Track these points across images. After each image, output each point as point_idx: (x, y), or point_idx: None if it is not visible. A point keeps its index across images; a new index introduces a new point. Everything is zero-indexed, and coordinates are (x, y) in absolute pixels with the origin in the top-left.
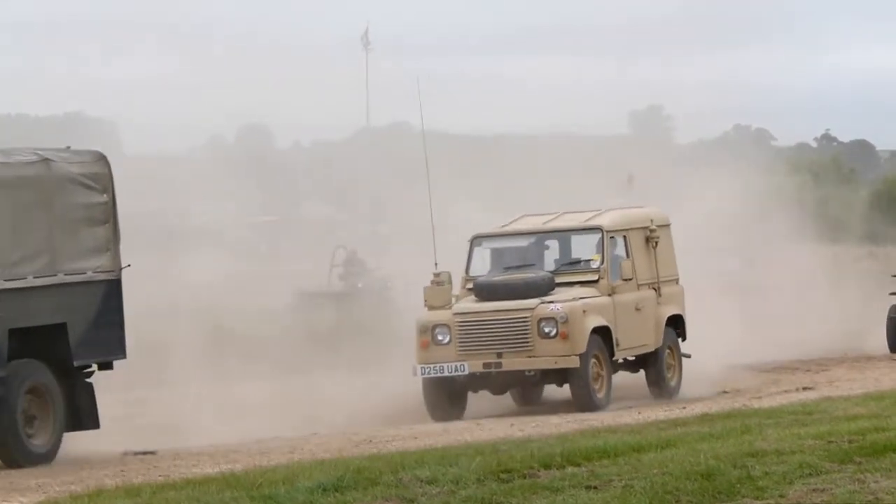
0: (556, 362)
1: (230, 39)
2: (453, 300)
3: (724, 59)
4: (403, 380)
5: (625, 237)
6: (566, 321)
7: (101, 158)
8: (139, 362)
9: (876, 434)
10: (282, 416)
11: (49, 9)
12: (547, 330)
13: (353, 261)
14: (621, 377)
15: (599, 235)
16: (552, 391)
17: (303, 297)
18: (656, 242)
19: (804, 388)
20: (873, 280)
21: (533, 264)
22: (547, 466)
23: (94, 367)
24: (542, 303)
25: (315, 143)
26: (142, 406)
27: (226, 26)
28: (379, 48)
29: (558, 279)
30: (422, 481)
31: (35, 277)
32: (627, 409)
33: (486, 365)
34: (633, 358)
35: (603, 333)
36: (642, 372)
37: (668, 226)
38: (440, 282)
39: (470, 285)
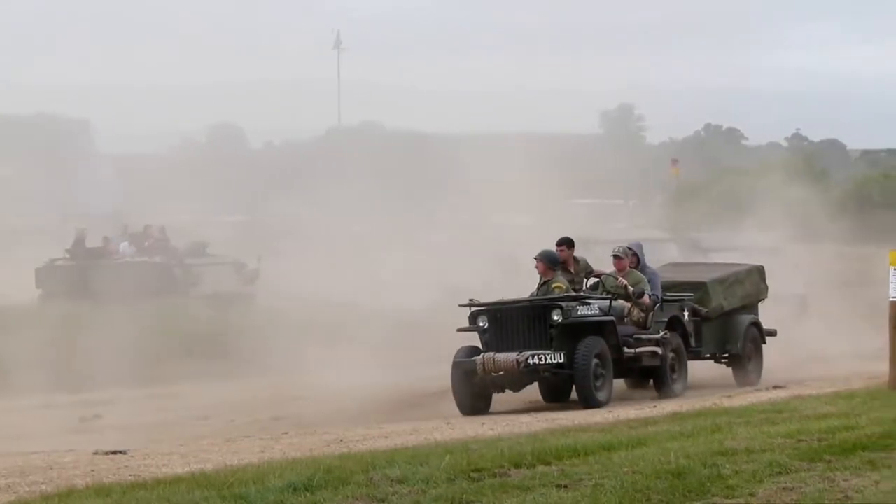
0: None
1: (203, 41)
2: None
3: (695, 60)
4: None
5: None
6: None
7: None
8: (116, 361)
9: (845, 433)
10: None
11: (22, 9)
12: None
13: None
14: None
15: None
16: None
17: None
18: None
19: (774, 387)
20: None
21: None
22: (517, 465)
23: None
24: None
25: (286, 143)
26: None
27: (198, 28)
28: (351, 49)
29: None
30: (392, 480)
31: None
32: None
33: None
34: None
35: None
36: None
37: None
38: None
39: None
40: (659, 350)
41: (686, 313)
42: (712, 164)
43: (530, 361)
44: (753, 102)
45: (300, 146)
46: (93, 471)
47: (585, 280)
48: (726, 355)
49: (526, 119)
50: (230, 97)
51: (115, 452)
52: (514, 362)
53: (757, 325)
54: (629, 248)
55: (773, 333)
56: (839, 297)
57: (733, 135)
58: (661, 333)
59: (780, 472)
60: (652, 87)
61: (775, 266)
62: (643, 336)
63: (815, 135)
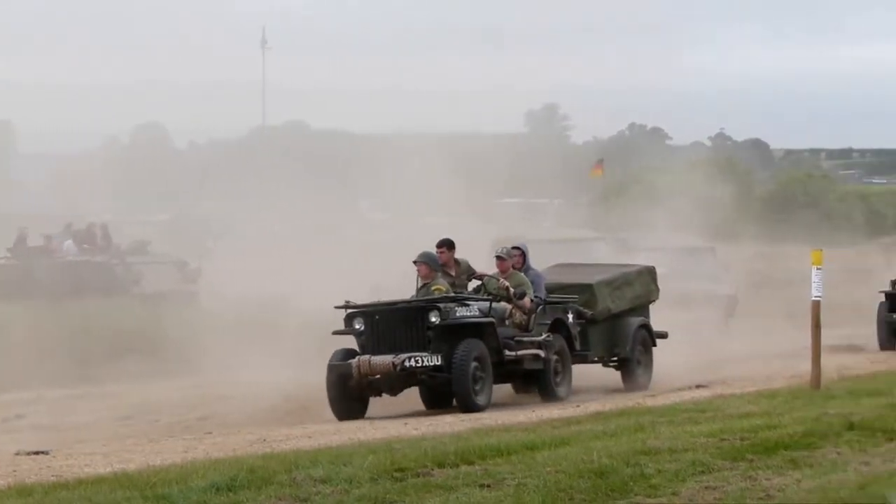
0: None
1: (125, 40)
2: None
3: (620, 60)
4: None
5: None
6: None
7: None
8: (46, 361)
9: (768, 431)
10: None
11: None
12: None
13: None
14: None
15: None
16: None
17: None
18: None
19: (697, 386)
20: None
21: None
22: (441, 465)
23: None
24: None
25: (211, 143)
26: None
27: (121, 27)
28: (276, 49)
29: None
30: (315, 480)
31: None
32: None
33: None
34: None
35: None
36: None
37: None
38: None
39: None
40: (541, 353)
41: (570, 315)
42: (637, 164)
43: (407, 364)
44: (677, 102)
45: (225, 145)
46: (14, 471)
47: (468, 282)
48: (615, 359)
49: (451, 118)
50: (153, 97)
51: (37, 453)
52: (391, 365)
53: (647, 327)
54: (516, 249)
55: (663, 336)
56: (763, 297)
57: (657, 134)
58: (544, 336)
59: (702, 471)
60: (577, 87)
61: (706, 266)
62: (525, 338)
63: (739, 135)
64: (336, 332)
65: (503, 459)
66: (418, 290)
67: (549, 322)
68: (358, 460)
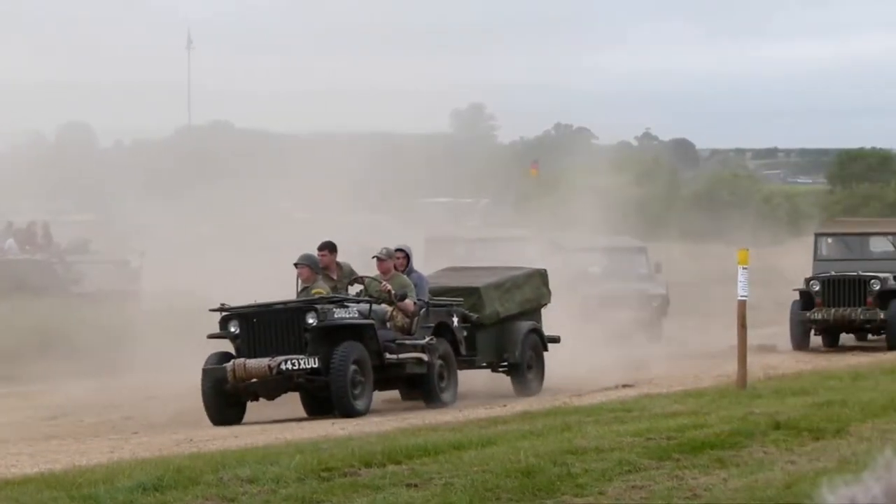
0: None
1: (50, 38)
2: None
3: (546, 59)
4: None
5: None
6: None
7: None
8: None
9: (694, 431)
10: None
11: None
12: None
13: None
14: None
15: None
16: None
17: None
18: None
19: (624, 386)
20: None
21: None
22: (368, 465)
23: None
24: None
25: (136, 143)
26: None
27: (45, 24)
28: (201, 49)
29: None
30: (242, 480)
31: None
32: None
33: None
34: None
35: None
36: None
37: None
38: None
39: None
40: (424, 356)
41: (455, 319)
42: (563, 164)
43: (283, 367)
44: (603, 102)
45: (150, 145)
46: None
47: (350, 286)
48: (505, 364)
49: (376, 118)
50: (78, 96)
51: None
52: (267, 368)
53: (538, 331)
54: (399, 251)
55: (556, 340)
56: (690, 296)
57: (583, 134)
58: (427, 339)
59: (629, 471)
60: (503, 87)
61: (637, 266)
62: (407, 341)
63: (665, 134)
64: (211, 336)
65: (430, 459)
66: (299, 293)
67: (432, 325)
68: (285, 460)
